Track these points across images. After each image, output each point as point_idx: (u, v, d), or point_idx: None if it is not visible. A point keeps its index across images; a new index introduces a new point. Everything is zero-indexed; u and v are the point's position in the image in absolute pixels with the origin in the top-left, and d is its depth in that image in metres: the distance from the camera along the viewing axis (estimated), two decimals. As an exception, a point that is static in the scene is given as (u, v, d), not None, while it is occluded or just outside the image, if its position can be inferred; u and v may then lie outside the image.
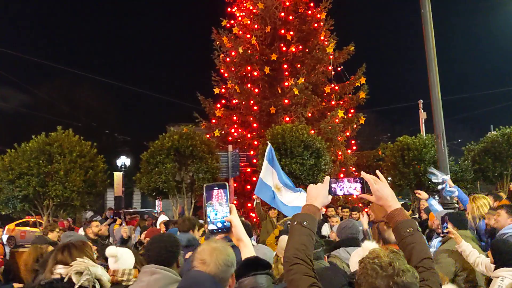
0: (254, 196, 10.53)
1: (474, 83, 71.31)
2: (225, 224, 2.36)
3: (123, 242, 7.06)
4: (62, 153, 12.42)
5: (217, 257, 2.23)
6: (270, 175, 9.80)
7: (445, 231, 4.68)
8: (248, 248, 2.48)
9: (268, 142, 11.52)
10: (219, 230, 2.37)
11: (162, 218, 11.44)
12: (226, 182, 15.93)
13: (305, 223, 2.24)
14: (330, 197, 2.39)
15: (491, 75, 74.81)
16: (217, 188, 2.38)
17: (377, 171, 2.48)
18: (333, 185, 2.42)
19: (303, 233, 2.22)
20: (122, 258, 3.58)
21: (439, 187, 7.37)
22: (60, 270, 3.23)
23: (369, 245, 2.99)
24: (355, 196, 2.99)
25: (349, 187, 2.42)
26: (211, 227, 2.36)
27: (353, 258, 3.37)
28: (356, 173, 17.26)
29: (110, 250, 3.63)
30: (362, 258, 1.97)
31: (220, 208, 2.36)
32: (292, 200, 9.46)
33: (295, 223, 2.26)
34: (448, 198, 8.27)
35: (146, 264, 3.08)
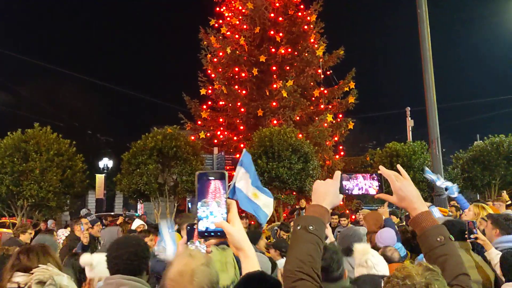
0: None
1: (459, 93, 72.02)
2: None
3: (84, 249, 6.39)
4: (39, 151, 11.83)
5: (190, 278, 1.72)
6: (245, 181, 9.34)
7: (472, 236, 4.26)
8: (250, 260, 1.83)
9: (244, 148, 11.08)
10: (212, 234, 1.67)
11: (137, 223, 10.24)
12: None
13: (311, 227, 1.76)
14: (341, 196, 1.93)
15: (476, 85, 75.65)
16: (213, 178, 1.69)
17: (399, 166, 2.04)
18: (344, 182, 1.97)
19: (308, 240, 1.75)
20: (98, 266, 3.08)
21: (438, 182, 6.91)
22: (18, 278, 2.71)
23: (360, 247, 2.54)
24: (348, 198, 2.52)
25: (365, 185, 1.97)
26: (202, 226, 1.66)
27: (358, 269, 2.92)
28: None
29: (85, 258, 3.22)
30: (388, 277, 1.52)
31: (218, 209, 1.69)
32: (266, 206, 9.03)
33: (298, 227, 1.79)
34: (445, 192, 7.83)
35: (112, 274, 2.57)
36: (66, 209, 13.40)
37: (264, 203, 9.01)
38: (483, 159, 15.78)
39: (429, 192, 14.08)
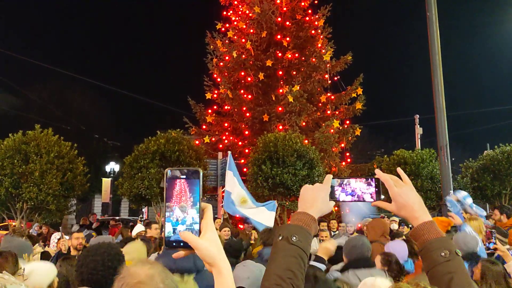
0: (221, 212, 9.75)
1: (468, 101, 71.30)
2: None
3: (61, 258, 6.10)
4: (39, 152, 11.64)
5: (161, 280, 1.49)
6: (234, 186, 9.09)
7: (491, 247, 3.98)
8: (224, 279, 1.34)
9: (229, 151, 10.83)
10: (181, 244, 1.31)
11: (139, 228, 9.43)
12: (215, 191, 15.39)
13: (294, 238, 1.50)
14: (333, 203, 1.66)
15: (486, 93, 74.91)
16: (183, 177, 1.31)
17: (399, 169, 1.78)
18: (336, 187, 1.71)
19: (290, 253, 1.49)
20: (33, 275, 2.80)
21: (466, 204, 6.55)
22: None
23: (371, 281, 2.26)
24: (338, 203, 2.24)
25: (359, 191, 1.71)
26: (168, 235, 1.31)
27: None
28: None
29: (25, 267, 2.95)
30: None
31: (182, 215, 1.31)
32: (255, 213, 8.76)
33: (280, 238, 1.52)
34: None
35: (77, 286, 2.32)
36: (66, 212, 13.17)
37: (255, 213, 8.72)
38: (493, 168, 15.42)
39: (437, 201, 13.74)
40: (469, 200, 6.79)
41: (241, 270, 3.42)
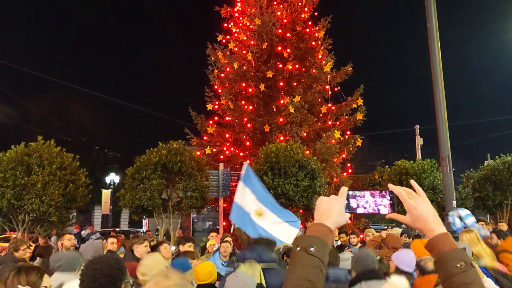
0: (232, 222, 9.46)
1: (468, 112, 71.55)
2: None
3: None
4: (41, 164, 11.65)
5: None
6: (246, 198, 8.81)
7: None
8: None
9: (244, 162, 10.63)
10: None
11: None
12: (216, 202, 15.35)
13: (312, 249, 1.52)
14: (348, 215, 1.69)
15: (486, 104, 75.19)
16: None
17: (412, 182, 1.80)
18: (351, 199, 1.73)
19: (308, 263, 1.51)
20: None
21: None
22: None
23: (397, 281, 2.27)
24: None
25: (374, 203, 1.73)
26: None
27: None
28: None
29: None
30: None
31: None
32: (275, 228, 8.42)
33: (298, 248, 1.55)
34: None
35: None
36: (68, 224, 13.15)
37: (274, 227, 8.41)
38: (494, 178, 15.46)
39: (440, 212, 13.73)
40: (471, 219, 6.77)
41: (234, 281, 3.49)
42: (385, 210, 1.79)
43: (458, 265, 1.54)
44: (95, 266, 2.47)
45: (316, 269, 1.50)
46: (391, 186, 1.73)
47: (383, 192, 1.83)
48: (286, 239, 8.03)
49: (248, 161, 16.16)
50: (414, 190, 1.73)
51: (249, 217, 8.45)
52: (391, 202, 1.77)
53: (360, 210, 1.84)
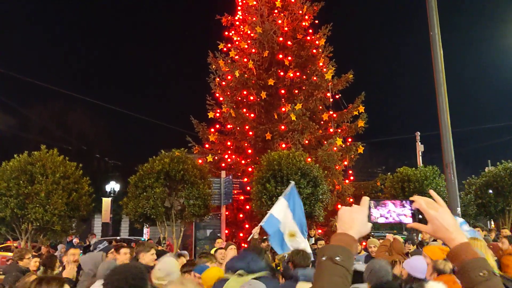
0: (253, 230, 9.49)
1: (468, 119, 71.66)
2: None
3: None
4: (45, 173, 11.67)
5: None
6: (284, 214, 8.88)
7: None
8: None
9: (291, 181, 10.64)
10: None
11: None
12: (218, 209, 15.35)
13: (337, 258, 1.55)
14: (370, 225, 1.73)
15: (485, 110, 75.32)
16: None
17: (431, 191, 1.83)
18: (372, 209, 1.77)
19: (335, 272, 1.53)
20: None
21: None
22: None
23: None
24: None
25: (395, 213, 1.77)
26: None
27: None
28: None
29: None
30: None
31: None
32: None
33: (323, 258, 1.57)
34: None
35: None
36: (71, 232, 13.14)
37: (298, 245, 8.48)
38: (496, 184, 15.50)
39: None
40: (466, 227, 6.80)
41: None
42: (406, 219, 1.81)
43: (481, 273, 1.56)
44: (119, 276, 2.48)
45: (343, 278, 1.53)
46: (414, 198, 1.77)
47: (403, 201, 1.85)
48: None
49: (250, 169, 16.28)
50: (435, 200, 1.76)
51: (282, 236, 8.55)
52: (412, 212, 1.78)
53: (381, 220, 1.86)
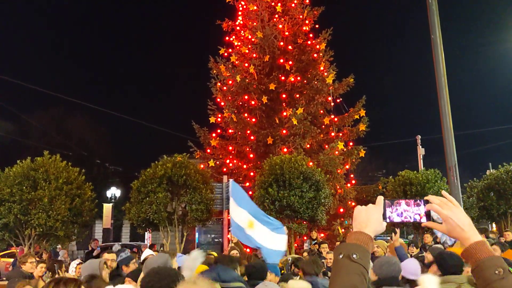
0: (228, 236, 9.57)
1: (468, 122, 71.73)
2: None
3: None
4: (48, 179, 11.68)
5: None
6: (238, 212, 8.94)
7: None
8: None
9: (231, 179, 10.73)
10: None
11: (147, 253, 9.56)
12: (220, 214, 15.35)
13: (355, 256, 1.56)
14: (385, 224, 1.75)
15: (485, 113, 75.38)
16: None
17: (443, 192, 1.85)
18: (386, 208, 1.79)
19: (353, 270, 1.55)
20: None
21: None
22: None
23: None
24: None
25: (410, 212, 1.79)
26: None
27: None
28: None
29: None
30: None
31: None
32: (265, 238, 8.52)
33: (340, 256, 1.59)
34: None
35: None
36: (74, 238, 13.14)
37: (265, 238, 8.52)
38: (498, 187, 15.50)
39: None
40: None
41: None
42: (421, 219, 1.82)
43: (497, 271, 1.58)
44: (154, 278, 2.51)
45: (361, 276, 1.55)
46: (428, 198, 1.79)
47: (418, 201, 1.86)
48: (280, 246, 8.20)
49: (252, 174, 16.28)
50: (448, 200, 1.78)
51: (244, 231, 8.56)
52: (427, 211, 1.79)
53: (397, 219, 1.88)
